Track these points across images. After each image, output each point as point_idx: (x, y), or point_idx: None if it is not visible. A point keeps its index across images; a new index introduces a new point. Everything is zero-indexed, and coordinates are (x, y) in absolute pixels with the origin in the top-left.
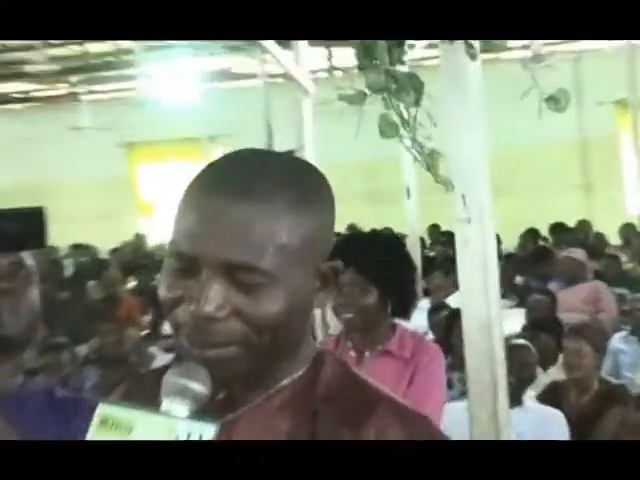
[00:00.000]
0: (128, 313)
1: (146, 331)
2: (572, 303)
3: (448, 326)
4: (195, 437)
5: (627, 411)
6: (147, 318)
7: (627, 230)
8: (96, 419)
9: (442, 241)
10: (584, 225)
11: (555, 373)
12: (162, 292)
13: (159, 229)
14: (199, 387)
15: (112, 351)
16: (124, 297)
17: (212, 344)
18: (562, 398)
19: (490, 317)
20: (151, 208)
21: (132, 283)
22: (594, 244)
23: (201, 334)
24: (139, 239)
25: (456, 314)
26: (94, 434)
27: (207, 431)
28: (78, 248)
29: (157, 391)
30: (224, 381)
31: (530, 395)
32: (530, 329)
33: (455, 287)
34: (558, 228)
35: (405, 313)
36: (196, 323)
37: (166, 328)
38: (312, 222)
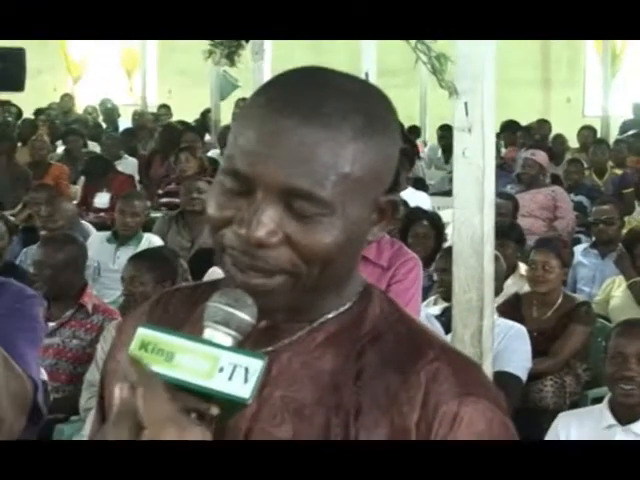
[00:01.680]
0: (56, 180)
1: (75, 201)
2: (529, 208)
3: (405, 227)
4: (240, 370)
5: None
6: (75, 187)
7: (586, 134)
8: (136, 342)
9: None
10: (543, 125)
11: (512, 284)
12: (211, 210)
13: (89, 91)
14: (245, 316)
15: (45, 223)
16: (52, 163)
17: (259, 271)
18: (523, 312)
19: (483, 232)
20: (81, 67)
21: (61, 148)
22: (553, 147)
23: (249, 259)
24: (68, 100)
25: (416, 213)
26: (134, 356)
27: (253, 365)
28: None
29: (182, 317)
30: (268, 310)
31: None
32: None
33: (408, 183)
34: (509, 126)
35: None
36: (244, 247)
37: (98, 200)
38: (377, 152)
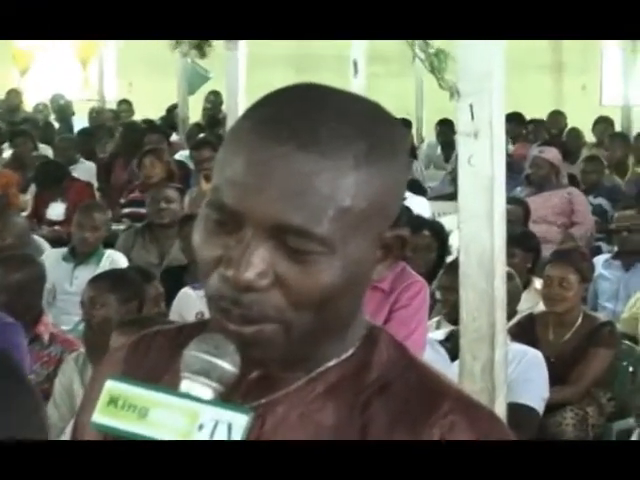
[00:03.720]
0: (4, 189)
1: (25, 213)
2: (541, 213)
3: None
4: (222, 427)
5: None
6: (25, 197)
7: (603, 126)
8: (104, 397)
9: None
10: (557, 117)
11: (524, 300)
12: (198, 248)
13: (39, 85)
14: (227, 365)
15: None
16: None
17: (244, 321)
18: (538, 334)
19: (493, 250)
20: (29, 58)
21: (7, 152)
22: (568, 142)
23: (238, 309)
24: (14, 97)
25: (415, 222)
26: (101, 414)
27: (238, 419)
28: None
29: (164, 364)
30: (261, 360)
31: None
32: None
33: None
34: (516, 119)
35: None
36: (233, 295)
37: (51, 212)
38: (382, 182)
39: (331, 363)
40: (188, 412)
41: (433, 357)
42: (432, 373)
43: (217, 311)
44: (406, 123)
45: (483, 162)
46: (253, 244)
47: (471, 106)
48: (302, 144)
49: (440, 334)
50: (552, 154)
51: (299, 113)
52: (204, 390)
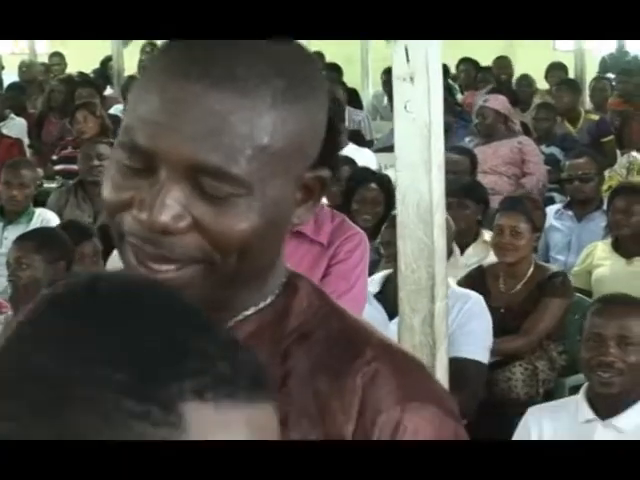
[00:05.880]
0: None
1: None
2: (490, 163)
3: (349, 190)
4: None
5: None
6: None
7: (556, 72)
8: None
9: None
10: (503, 63)
11: (473, 253)
12: (106, 192)
13: None
14: None
15: None
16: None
17: (165, 261)
18: (489, 285)
19: (432, 199)
20: None
21: None
22: (518, 89)
23: (152, 248)
24: None
25: (362, 175)
26: None
27: None
28: None
29: None
30: None
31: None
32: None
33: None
34: (467, 66)
35: None
36: (146, 235)
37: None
38: (301, 121)
39: (249, 312)
40: None
41: (371, 312)
42: (355, 321)
43: (130, 250)
44: (335, 68)
45: (420, 108)
46: (167, 186)
47: (406, 48)
48: (217, 82)
49: (375, 286)
50: (497, 102)
51: (214, 51)
52: None
